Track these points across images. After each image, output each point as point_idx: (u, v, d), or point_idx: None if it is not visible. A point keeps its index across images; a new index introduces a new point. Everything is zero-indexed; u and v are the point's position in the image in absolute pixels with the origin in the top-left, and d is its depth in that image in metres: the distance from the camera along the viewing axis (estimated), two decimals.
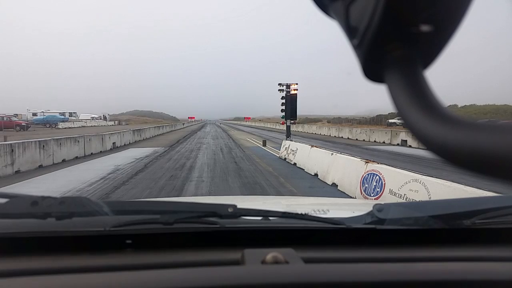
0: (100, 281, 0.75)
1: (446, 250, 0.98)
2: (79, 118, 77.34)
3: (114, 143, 18.68)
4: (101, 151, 16.44)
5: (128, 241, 0.96)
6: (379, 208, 1.10)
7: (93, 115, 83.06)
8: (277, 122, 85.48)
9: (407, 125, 0.30)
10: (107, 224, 0.94)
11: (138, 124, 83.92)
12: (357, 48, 0.34)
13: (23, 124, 43.08)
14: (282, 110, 13.78)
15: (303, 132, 40.08)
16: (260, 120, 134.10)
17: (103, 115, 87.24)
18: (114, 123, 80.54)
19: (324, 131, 36.26)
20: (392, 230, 1.04)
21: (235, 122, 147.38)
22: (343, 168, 7.68)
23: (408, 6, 0.29)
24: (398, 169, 5.85)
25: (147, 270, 0.80)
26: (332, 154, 8.62)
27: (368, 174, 6.43)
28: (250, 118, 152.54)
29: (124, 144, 20.46)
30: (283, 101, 13.69)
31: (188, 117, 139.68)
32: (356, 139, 26.58)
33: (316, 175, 9.46)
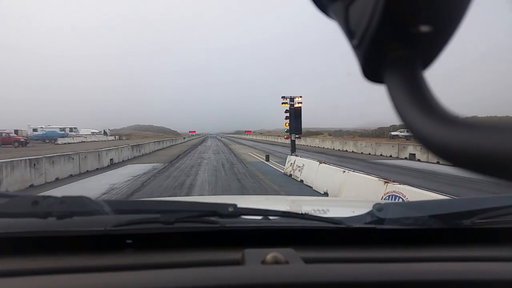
0: (101, 281, 0.75)
1: (445, 250, 0.97)
2: (79, 133, 77.01)
3: (111, 159, 18.02)
4: (97, 168, 15.76)
5: (129, 241, 0.95)
6: (379, 207, 1.09)
7: (94, 130, 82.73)
8: (279, 136, 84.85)
9: (407, 125, 0.30)
10: (108, 223, 0.93)
11: (139, 138, 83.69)
12: (357, 48, 0.34)
13: (21, 140, 42.61)
14: (286, 124, 13.08)
15: (306, 146, 39.38)
16: (261, 134, 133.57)
17: (104, 130, 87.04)
18: (115, 138, 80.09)
19: (328, 144, 35.59)
20: (392, 230, 1.03)
21: (236, 135, 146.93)
22: (358, 188, 6.96)
23: (407, 7, 0.29)
24: (425, 191, 5.14)
25: (147, 270, 0.79)
26: (344, 171, 7.89)
27: (388, 196, 5.71)
28: (251, 131, 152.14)
29: (123, 160, 19.80)
30: (287, 114, 13.00)
31: (189, 131, 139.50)
32: (362, 153, 25.85)
33: (326, 193, 8.71)
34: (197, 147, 38.50)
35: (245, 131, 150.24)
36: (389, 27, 0.30)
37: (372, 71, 0.34)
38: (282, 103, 12.98)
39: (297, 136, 13.04)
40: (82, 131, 79.33)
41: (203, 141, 64.07)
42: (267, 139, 69.10)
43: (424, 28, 0.30)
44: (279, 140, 56.97)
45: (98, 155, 16.36)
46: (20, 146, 40.08)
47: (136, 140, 60.17)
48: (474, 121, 0.26)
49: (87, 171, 14.66)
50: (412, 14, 0.29)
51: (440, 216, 1.06)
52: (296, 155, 12.50)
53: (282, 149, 32.01)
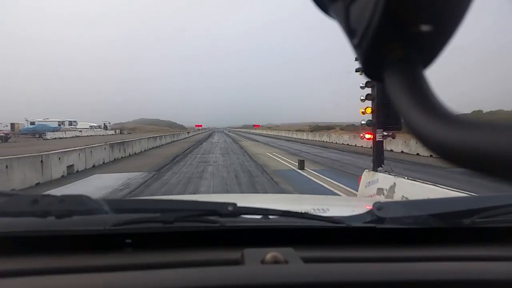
0: (100, 281, 0.75)
1: (446, 250, 0.97)
2: (77, 127, 71.75)
3: (70, 166, 12.04)
4: (38, 184, 9.84)
5: (128, 241, 0.94)
6: (379, 206, 1.07)
7: (92, 124, 77.46)
8: (288, 130, 77.82)
9: (407, 124, 0.30)
10: (107, 222, 0.92)
11: (143, 133, 78.58)
12: (357, 47, 0.34)
13: (1, 134, 37.40)
14: (366, 110, 6.52)
15: (330, 143, 33.03)
16: (269, 128, 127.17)
17: (104, 123, 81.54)
18: (115, 132, 74.53)
19: (357, 141, 29.23)
20: (392, 229, 1.03)
21: (244, 130, 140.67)
22: None
23: (408, 6, 0.29)
24: None
25: (147, 270, 0.79)
26: None
27: None
28: (259, 126, 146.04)
29: (93, 166, 13.86)
30: (369, 91, 6.39)
31: (195, 125, 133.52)
32: (417, 154, 19.49)
33: None
34: (201, 144, 32.48)
35: (253, 126, 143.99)
36: (390, 27, 0.30)
37: (373, 70, 0.34)
38: (357, 70, 6.55)
39: (389, 134, 6.30)
40: (80, 125, 74.08)
41: (209, 136, 57.86)
42: (279, 134, 62.13)
43: (425, 28, 0.30)
44: (294, 136, 50.29)
45: (41, 161, 10.34)
46: (0, 141, 35.09)
47: (139, 134, 54.51)
48: (475, 120, 0.26)
49: (13, 190, 8.72)
50: (412, 13, 0.29)
51: (440, 215, 1.05)
52: (390, 173, 6.16)
53: (307, 148, 25.63)
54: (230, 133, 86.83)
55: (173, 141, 36.30)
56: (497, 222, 1.04)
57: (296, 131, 70.53)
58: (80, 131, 59.23)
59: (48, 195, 0.95)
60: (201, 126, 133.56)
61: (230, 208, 1.00)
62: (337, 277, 0.75)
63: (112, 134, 66.83)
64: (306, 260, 0.83)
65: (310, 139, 40.42)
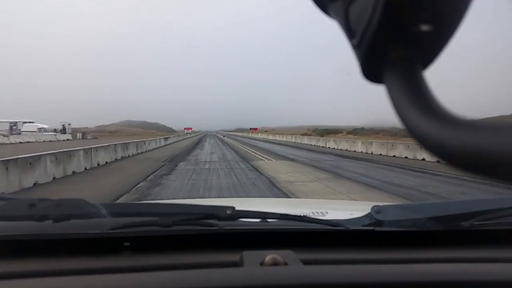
0: (98, 283, 0.75)
1: (444, 252, 0.97)
2: (21, 129, 53.65)
3: None
4: None
5: (126, 244, 0.95)
6: (377, 210, 1.08)
7: (42, 126, 58.98)
8: (293, 134, 61.01)
9: (406, 125, 0.30)
10: (105, 226, 0.93)
11: (125, 137, 61.89)
12: (357, 48, 0.34)
13: None
14: None
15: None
16: (265, 131, 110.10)
17: (63, 125, 63.14)
18: (73, 137, 56.46)
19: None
20: (391, 232, 1.03)
21: (240, 134, 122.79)
22: None
23: (408, 6, 0.29)
24: None
25: (145, 272, 0.80)
26: None
27: None
28: (257, 129, 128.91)
29: None
30: None
31: (184, 128, 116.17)
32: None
33: None
34: (177, 163, 14.77)
35: (250, 129, 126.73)
36: (389, 27, 0.30)
37: (372, 70, 0.33)
38: None
39: None
40: (26, 127, 55.86)
41: (198, 142, 40.09)
42: (299, 141, 43.38)
43: (424, 28, 0.29)
44: (331, 145, 32.17)
45: None
46: None
47: (121, 138, 36.77)
48: (474, 121, 0.26)
49: None
50: (412, 13, 0.29)
51: (439, 218, 1.05)
52: None
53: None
54: (225, 137, 68.13)
55: (135, 155, 18.59)
56: (495, 224, 1.05)
57: (302, 135, 53.62)
58: (6, 135, 40.94)
59: (46, 199, 0.94)
60: (190, 129, 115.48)
61: (228, 212, 0.99)
62: (336, 278, 0.76)
63: (67, 140, 48.80)
64: (306, 262, 0.84)
65: (362, 151, 22.64)
